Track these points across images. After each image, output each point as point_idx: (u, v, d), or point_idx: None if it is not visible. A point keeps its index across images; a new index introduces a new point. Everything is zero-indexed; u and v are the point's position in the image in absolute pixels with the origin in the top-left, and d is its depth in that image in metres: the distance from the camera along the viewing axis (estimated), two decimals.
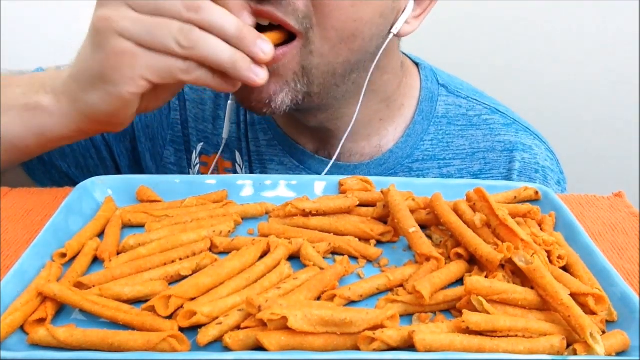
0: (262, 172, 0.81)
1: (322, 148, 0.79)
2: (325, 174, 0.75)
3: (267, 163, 0.81)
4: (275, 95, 0.65)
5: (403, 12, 0.70)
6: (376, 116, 0.78)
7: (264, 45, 0.56)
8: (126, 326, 0.42)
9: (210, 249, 0.53)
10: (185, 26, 0.53)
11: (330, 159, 0.77)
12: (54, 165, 0.80)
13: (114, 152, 0.83)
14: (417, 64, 0.84)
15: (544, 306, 0.45)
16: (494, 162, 0.80)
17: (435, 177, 0.78)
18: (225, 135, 0.78)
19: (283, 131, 0.80)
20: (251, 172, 0.81)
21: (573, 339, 0.42)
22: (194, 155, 0.83)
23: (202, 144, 0.83)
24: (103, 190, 0.60)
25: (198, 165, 0.83)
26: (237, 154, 0.82)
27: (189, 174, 0.83)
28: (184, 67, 0.55)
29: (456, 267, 0.49)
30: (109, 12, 0.54)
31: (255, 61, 0.56)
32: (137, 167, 0.85)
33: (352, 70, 0.69)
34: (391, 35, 0.70)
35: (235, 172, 0.82)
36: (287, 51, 0.63)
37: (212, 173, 0.81)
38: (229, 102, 0.77)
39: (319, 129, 0.77)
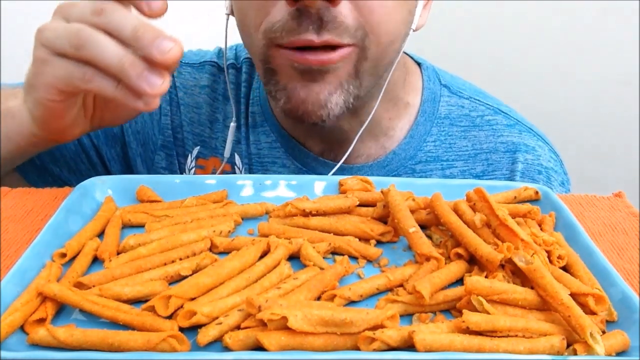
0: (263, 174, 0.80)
1: (329, 149, 0.79)
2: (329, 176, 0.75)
3: (268, 165, 0.81)
4: (330, 96, 0.65)
5: (416, 6, 0.70)
6: (386, 115, 0.78)
7: (164, 44, 0.50)
8: (126, 326, 0.42)
9: (210, 249, 0.53)
10: (80, 26, 0.52)
11: (336, 160, 0.77)
12: (46, 169, 0.81)
13: (104, 157, 0.83)
14: (419, 64, 0.84)
15: (544, 306, 0.45)
16: (496, 163, 0.79)
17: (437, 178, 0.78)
18: (227, 154, 0.78)
19: (288, 133, 0.80)
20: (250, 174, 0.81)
21: (573, 339, 0.42)
22: (189, 159, 0.83)
23: (198, 147, 0.83)
24: (103, 190, 0.60)
25: (193, 169, 0.83)
26: (237, 157, 0.82)
27: None
28: (80, 74, 0.53)
29: (456, 267, 0.49)
30: (46, 24, 0.55)
31: (156, 65, 0.50)
32: (129, 172, 0.85)
33: (386, 70, 0.70)
34: (411, 31, 0.70)
35: (234, 174, 0.82)
36: (344, 54, 0.63)
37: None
38: (232, 124, 0.78)
39: (333, 128, 0.75)
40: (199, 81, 0.84)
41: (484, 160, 0.79)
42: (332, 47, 0.63)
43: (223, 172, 0.82)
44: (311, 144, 0.79)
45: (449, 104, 0.81)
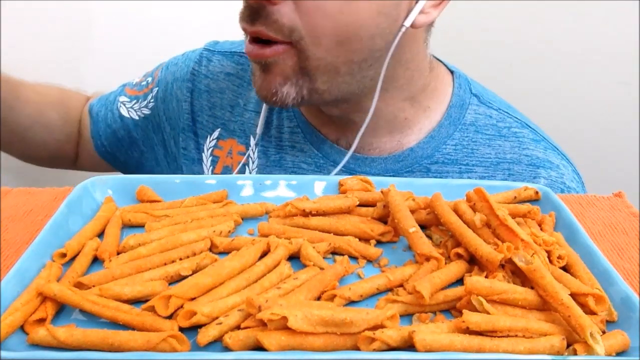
0: (280, 158, 0.83)
1: (343, 138, 0.81)
2: (344, 165, 0.78)
3: (287, 149, 0.83)
4: (280, 87, 0.70)
5: (417, 2, 0.70)
6: (400, 114, 0.79)
7: None
8: (126, 326, 0.42)
9: (210, 249, 0.53)
10: None
11: (349, 149, 0.79)
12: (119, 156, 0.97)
13: (152, 141, 0.94)
14: (452, 72, 0.84)
15: (544, 306, 0.45)
16: (518, 174, 0.79)
17: None
18: (259, 131, 0.83)
19: (307, 120, 0.83)
20: (265, 156, 0.83)
21: (573, 339, 0.42)
22: (208, 140, 0.88)
23: (219, 129, 0.88)
24: (103, 190, 0.60)
25: (211, 149, 0.88)
26: (251, 138, 0.85)
27: (199, 157, 0.89)
28: None
29: (456, 267, 0.49)
30: None
31: None
32: (167, 153, 0.94)
33: (361, 68, 0.71)
34: (404, 28, 0.70)
35: (247, 155, 0.85)
36: (278, 50, 0.68)
37: (227, 156, 0.86)
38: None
39: (342, 119, 0.78)
40: (225, 68, 0.90)
41: (506, 169, 0.79)
42: (270, 42, 0.68)
43: (237, 153, 0.86)
44: (327, 131, 0.82)
45: (476, 112, 0.82)
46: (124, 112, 0.94)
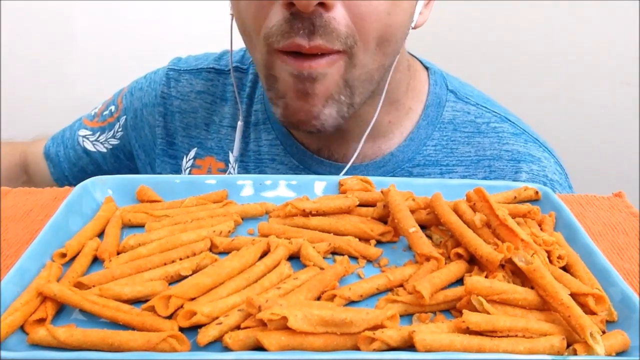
0: (260, 172, 0.81)
1: (325, 148, 0.79)
2: (324, 174, 0.76)
3: (267, 162, 0.81)
4: (323, 108, 0.66)
5: (417, 2, 0.70)
6: (385, 118, 0.78)
7: None
8: (126, 326, 0.42)
9: (210, 249, 0.53)
10: None
11: (331, 159, 0.78)
12: None
13: (128, 172, 0.92)
14: (427, 68, 0.83)
15: (544, 306, 0.45)
16: (499, 170, 0.77)
17: None
18: (235, 153, 0.81)
19: (287, 131, 0.81)
20: (246, 171, 0.82)
21: (573, 339, 0.42)
22: (184, 161, 0.86)
23: (195, 148, 0.86)
24: (103, 190, 0.60)
25: (189, 169, 0.86)
26: (230, 155, 0.83)
27: None
28: None
29: (456, 267, 0.49)
30: None
31: None
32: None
33: (386, 72, 0.70)
34: (410, 30, 0.70)
35: (227, 172, 0.83)
36: (333, 60, 0.64)
37: (207, 174, 0.84)
38: (239, 122, 0.81)
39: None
40: (194, 87, 0.88)
41: (487, 167, 0.78)
42: (322, 54, 0.63)
43: (217, 170, 0.84)
44: (309, 142, 0.80)
45: (454, 110, 0.80)
46: (88, 146, 0.91)
